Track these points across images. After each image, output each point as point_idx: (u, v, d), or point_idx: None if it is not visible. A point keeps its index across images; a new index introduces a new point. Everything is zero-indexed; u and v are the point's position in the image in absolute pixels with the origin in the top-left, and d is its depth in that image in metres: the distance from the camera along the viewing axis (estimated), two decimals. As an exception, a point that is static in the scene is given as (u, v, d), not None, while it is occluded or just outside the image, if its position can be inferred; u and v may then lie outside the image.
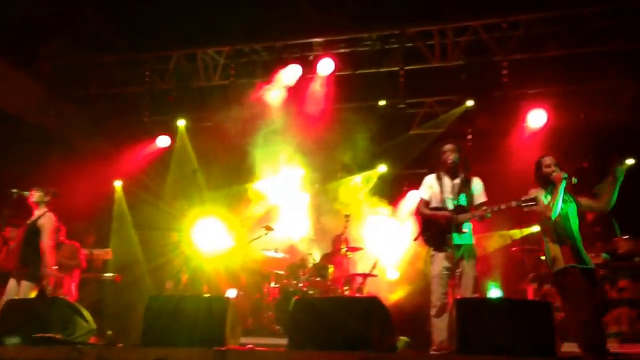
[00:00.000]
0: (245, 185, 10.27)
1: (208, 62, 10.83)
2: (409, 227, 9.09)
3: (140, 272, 10.04)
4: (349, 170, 10.52)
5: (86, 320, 5.78)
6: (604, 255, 7.31)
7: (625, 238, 7.26)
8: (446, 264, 5.81)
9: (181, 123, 11.05)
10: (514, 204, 5.59)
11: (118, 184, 11.10)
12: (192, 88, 10.81)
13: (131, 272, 9.82)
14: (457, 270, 5.80)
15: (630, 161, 9.34)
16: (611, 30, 9.06)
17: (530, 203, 5.49)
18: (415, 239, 6.20)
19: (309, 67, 10.44)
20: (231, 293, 8.38)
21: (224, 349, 4.92)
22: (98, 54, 10.85)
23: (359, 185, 10.42)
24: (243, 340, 5.86)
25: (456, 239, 5.79)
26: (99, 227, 10.20)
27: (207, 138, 10.81)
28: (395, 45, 10.03)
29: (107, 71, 11.08)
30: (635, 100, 9.37)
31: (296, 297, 5.89)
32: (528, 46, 9.45)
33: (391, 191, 10.39)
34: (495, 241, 8.98)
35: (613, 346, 6.51)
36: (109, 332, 7.34)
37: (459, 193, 5.90)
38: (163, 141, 11.13)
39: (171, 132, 11.12)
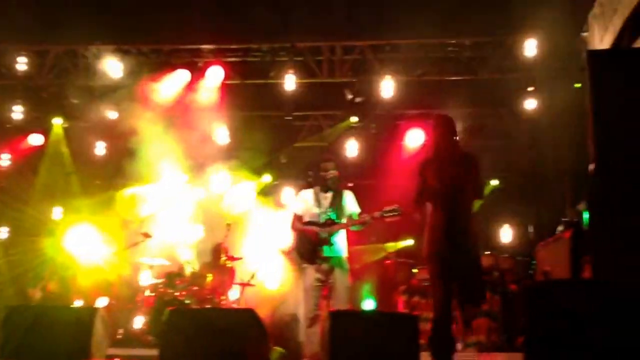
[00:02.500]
0: (123, 190, 9.98)
1: (90, 60, 10.45)
2: (288, 238, 9.22)
3: (1, 280, 9.42)
4: (234, 178, 10.50)
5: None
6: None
7: (487, 254, 7.78)
8: (317, 275, 5.98)
9: (57, 121, 10.54)
10: (377, 214, 5.88)
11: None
12: (70, 85, 10.38)
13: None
14: (329, 282, 5.96)
15: (494, 182, 10.13)
16: (475, 62, 9.79)
17: (392, 213, 5.79)
18: (288, 253, 6.35)
19: (197, 73, 10.36)
20: (102, 302, 8.11)
21: (87, 362, 4.77)
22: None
23: (242, 194, 10.41)
24: (113, 351, 5.70)
25: (327, 251, 5.97)
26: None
27: (85, 139, 10.40)
28: (285, 59, 10.19)
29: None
30: (500, 127, 10.16)
31: (171, 307, 5.81)
32: (408, 69, 9.95)
33: (275, 201, 10.50)
34: (370, 254, 9.30)
35: (472, 355, 6.97)
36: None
37: (330, 207, 6.10)
38: (35, 139, 10.55)
39: (45, 130, 10.58)
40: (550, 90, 9.44)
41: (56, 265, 8.11)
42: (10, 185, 9.93)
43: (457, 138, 5.13)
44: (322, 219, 6.07)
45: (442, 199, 4.89)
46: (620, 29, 6.63)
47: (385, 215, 5.83)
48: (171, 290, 8.08)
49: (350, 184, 6.54)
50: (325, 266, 5.93)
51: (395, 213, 5.79)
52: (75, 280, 8.32)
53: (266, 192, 10.55)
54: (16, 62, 10.10)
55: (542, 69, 9.47)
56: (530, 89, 9.83)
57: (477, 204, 5.06)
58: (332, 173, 6.15)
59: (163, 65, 10.35)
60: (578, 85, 4.67)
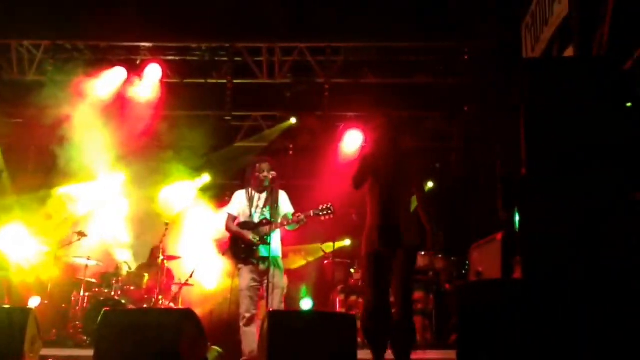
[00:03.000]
0: (57, 189, 9.71)
1: (23, 55, 10.13)
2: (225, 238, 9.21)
3: None
4: (172, 178, 10.38)
5: None
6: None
7: (422, 254, 7.98)
8: (253, 276, 6.02)
9: (-13, 117, 10.17)
10: (311, 213, 5.97)
11: None
12: (2, 80, 10.04)
13: None
14: (265, 282, 5.99)
15: (429, 184, 10.39)
16: (413, 66, 10.00)
17: (325, 212, 5.90)
18: (223, 254, 6.36)
19: (135, 71, 10.20)
20: (34, 302, 7.89)
21: (20, 364, 4.64)
22: None
23: (180, 194, 10.30)
24: (45, 352, 5.57)
25: (263, 251, 6.01)
26: None
27: (17, 136, 10.06)
28: (225, 58, 10.17)
29: None
30: (435, 131, 10.44)
31: (106, 307, 5.72)
32: (348, 72, 10.10)
33: (213, 201, 10.44)
34: (308, 254, 9.38)
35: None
36: None
37: (264, 206, 6.14)
38: (-37, 136, 10.14)
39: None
40: (483, 96, 9.76)
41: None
42: None
43: (397, 137, 5.24)
44: (257, 219, 6.11)
45: (378, 196, 4.99)
46: (550, 39, 6.93)
47: (319, 213, 5.93)
48: (107, 290, 7.95)
49: (281, 182, 6.58)
50: (261, 266, 5.97)
51: (329, 212, 5.91)
52: (8, 281, 8.04)
53: (204, 191, 10.47)
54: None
55: (476, 74, 9.76)
56: (464, 93, 10.11)
57: (414, 202, 5.20)
58: (268, 174, 6.20)
59: (99, 62, 10.14)
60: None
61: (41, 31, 9.85)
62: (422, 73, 10.04)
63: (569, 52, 6.44)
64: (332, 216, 5.93)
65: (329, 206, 5.93)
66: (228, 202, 10.13)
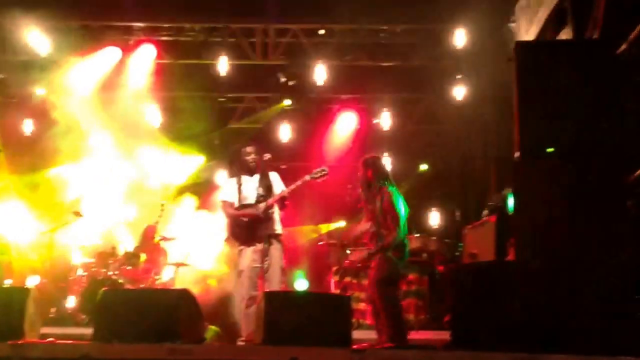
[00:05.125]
0: (54, 169, 9.71)
1: (16, 34, 10.02)
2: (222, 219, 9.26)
3: None
4: (167, 159, 10.40)
5: None
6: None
7: (416, 236, 8.07)
8: (254, 257, 6.04)
9: (-19, 97, 10.13)
10: (307, 177, 6.03)
11: None
12: (-6, 60, 9.97)
13: None
14: (266, 262, 6.03)
15: (423, 166, 10.48)
16: (408, 48, 10.01)
17: (320, 174, 5.96)
18: (227, 240, 6.39)
19: (128, 51, 10.15)
20: (33, 281, 7.94)
21: (20, 342, 4.69)
22: None
23: (175, 175, 10.34)
24: (46, 330, 5.62)
25: (263, 229, 6.05)
26: None
27: (11, 116, 10.02)
28: (219, 39, 10.12)
29: None
30: (429, 113, 10.48)
31: (105, 287, 5.78)
32: (341, 54, 10.09)
33: (208, 182, 10.49)
34: (304, 235, 9.47)
35: (402, 333, 7.24)
36: None
37: (259, 187, 6.18)
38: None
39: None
40: (477, 78, 9.79)
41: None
42: None
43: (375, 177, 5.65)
44: (254, 200, 6.14)
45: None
46: (545, 21, 6.96)
47: (315, 176, 5.99)
48: (104, 270, 8.00)
49: (282, 166, 6.61)
50: (262, 246, 6.00)
51: (324, 172, 5.97)
52: (8, 262, 8.08)
53: (199, 172, 10.51)
54: None
55: (470, 57, 9.78)
56: (458, 76, 10.14)
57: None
58: (254, 157, 6.24)
59: (92, 42, 10.06)
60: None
61: (34, 10, 9.75)
62: (417, 55, 10.04)
63: (564, 34, 6.48)
64: (327, 177, 5.98)
65: (323, 168, 5.99)
66: (221, 186, 10.30)
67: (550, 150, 4.93)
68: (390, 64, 10.12)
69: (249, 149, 6.32)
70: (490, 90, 9.19)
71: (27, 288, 5.91)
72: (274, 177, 6.32)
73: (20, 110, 9.98)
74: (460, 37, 9.60)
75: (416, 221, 8.66)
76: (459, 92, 10.14)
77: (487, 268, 5.58)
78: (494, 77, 8.81)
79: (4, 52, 9.95)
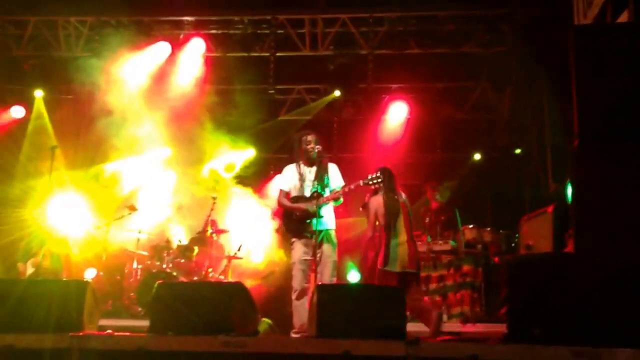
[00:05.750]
0: (108, 164, 9.92)
1: (70, 32, 10.27)
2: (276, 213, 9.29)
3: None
4: (218, 152, 10.48)
5: None
6: (451, 242, 7.93)
7: (471, 227, 7.92)
8: (306, 249, 6.03)
9: (38, 94, 10.41)
10: (361, 182, 5.94)
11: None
12: (51, 57, 10.23)
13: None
14: (317, 255, 6.01)
15: (476, 156, 10.26)
16: (460, 35, 9.78)
17: (376, 180, 5.87)
18: (277, 231, 6.40)
19: (178, 46, 10.26)
20: (90, 274, 8.13)
21: (80, 334, 4.79)
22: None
23: (226, 168, 10.42)
24: (103, 322, 5.74)
25: (315, 225, 6.02)
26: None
27: (67, 112, 10.28)
28: (267, 31, 10.13)
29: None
30: (480, 102, 10.24)
31: (159, 280, 5.86)
32: (392, 42, 9.94)
33: (258, 175, 10.53)
34: (355, 226, 9.38)
35: (456, 326, 7.13)
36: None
37: (315, 180, 6.12)
38: (17, 112, 10.42)
39: (26, 102, 10.44)
40: (532, 65, 9.50)
41: (47, 241, 8.04)
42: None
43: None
44: (309, 194, 6.11)
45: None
46: (603, 3, 6.68)
47: (368, 182, 5.90)
48: (158, 263, 8.13)
49: (329, 155, 6.55)
50: (313, 240, 5.98)
51: (379, 180, 5.86)
52: (68, 256, 8.29)
53: (250, 165, 10.55)
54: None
55: (525, 43, 9.50)
56: (512, 62, 9.87)
57: None
58: (314, 147, 6.17)
59: (143, 37, 10.21)
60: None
61: (86, 8, 9.97)
62: (468, 42, 9.81)
63: (624, 17, 6.22)
64: (381, 184, 5.90)
65: (378, 174, 5.89)
66: (273, 175, 10.35)
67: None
68: (441, 51, 9.92)
69: (309, 137, 6.23)
70: (544, 76, 8.90)
71: (85, 281, 6.05)
72: (333, 169, 6.26)
73: (75, 106, 10.19)
74: (513, 22, 9.32)
75: (470, 212, 8.49)
76: (512, 78, 9.86)
77: (545, 260, 5.41)
78: (547, 62, 8.52)
79: (59, 49, 10.20)
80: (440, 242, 7.95)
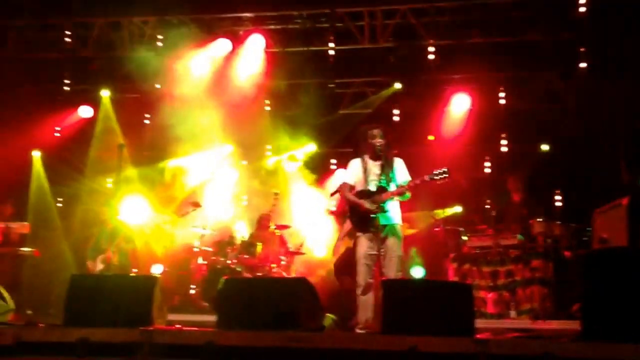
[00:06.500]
0: (172, 161, 10.10)
1: (134, 32, 10.50)
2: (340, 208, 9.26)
3: (60, 247, 9.72)
4: (278, 147, 10.53)
5: (4, 299, 5.59)
6: (519, 236, 7.70)
7: (539, 220, 7.66)
8: (370, 244, 5.96)
9: (105, 93, 10.69)
10: (427, 178, 5.84)
11: (36, 155, 10.64)
12: (116, 57, 10.48)
13: (50, 247, 9.50)
14: (382, 250, 5.94)
15: (544, 147, 9.93)
16: (525, 22, 9.46)
17: (441, 175, 5.74)
18: (340, 223, 6.35)
19: (238, 42, 10.34)
20: (157, 269, 8.30)
21: (150, 328, 4.88)
22: (13, 16, 10.28)
23: (287, 163, 10.45)
24: (170, 317, 5.84)
25: (381, 219, 5.94)
26: (16, 200, 9.78)
27: (132, 110, 10.52)
28: (326, 25, 10.08)
29: (25, 35, 10.52)
30: (548, 91, 9.88)
31: (225, 276, 5.91)
32: (453, 32, 9.72)
33: (319, 169, 10.51)
34: (419, 221, 9.25)
35: (526, 322, 6.93)
36: (29, 312, 7.11)
37: (381, 175, 6.04)
38: (85, 112, 10.74)
39: (94, 102, 10.75)
40: (603, 50, 9.10)
41: (117, 237, 8.27)
42: (67, 155, 10.16)
43: None
44: (374, 187, 6.03)
45: None
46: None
47: (434, 177, 5.78)
48: (222, 259, 8.22)
49: (395, 151, 6.44)
50: (378, 235, 5.90)
51: (445, 175, 5.74)
52: (135, 251, 8.49)
53: (311, 160, 10.55)
54: (64, 35, 10.18)
55: (594, 27, 9.10)
56: (581, 49, 9.48)
57: None
58: (379, 140, 6.08)
59: (204, 34, 10.33)
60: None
61: (149, 8, 10.16)
62: (533, 30, 9.47)
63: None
64: (447, 179, 5.77)
65: (444, 170, 5.76)
66: (334, 170, 10.32)
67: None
68: (505, 39, 9.61)
69: (374, 131, 6.15)
70: (617, 62, 8.51)
71: (154, 276, 6.16)
72: (399, 164, 6.17)
73: (140, 105, 10.42)
74: (582, 5, 8.93)
75: (539, 205, 8.21)
76: (582, 66, 9.46)
77: (622, 254, 5.19)
78: (619, 47, 8.15)
79: (123, 49, 10.43)
80: (507, 236, 7.73)
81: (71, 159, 10.21)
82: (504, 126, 10.12)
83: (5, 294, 5.60)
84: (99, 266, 8.06)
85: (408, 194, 5.97)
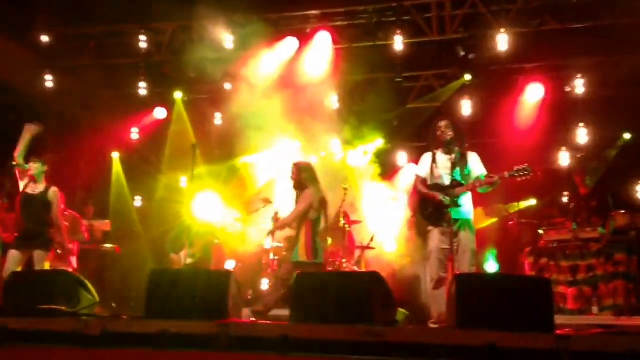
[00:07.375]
0: (242, 159, 10.27)
1: (203, 34, 10.70)
2: (406, 200, 9.18)
3: (139, 243, 10.07)
4: (347, 143, 10.52)
5: (90, 293, 5.81)
6: (600, 229, 7.41)
7: (622, 212, 7.35)
8: (443, 238, 5.87)
9: (178, 95, 10.98)
10: (506, 175, 5.69)
11: (115, 156, 11.06)
12: (187, 60, 10.73)
13: (130, 243, 9.86)
14: (455, 244, 5.83)
15: (627, 135, 9.50)
16: (601, 6, 9.04)
17: (523, 173, 5.58)
18: (413, 217, 6.29)
19: (305, 40, 10.38)
20: (230, 264, 8.45)
21: (226, 321, 4.96)
22: (91, 24, 10.70)
23: (356, 158, 10.42)
24: (245, 311, 5.93)
25: (453, 213, 5.83)
26: (97, 199, 10.19)
27: (203, 110, 10.75)
28: (392, 19, 9.97)
29: (102, 42, 10.93)
30: (628, 76, 9.42)
31: (297, 270, 5.95)
32: (525, 20, 9.42)
33: (388, 164, 10.44)
34: (493, 214, 9.06)
35: (609, 319, 6.66)
36: (114, 305, 7.37)
37: (454, 168, 5.93)
38: (160, 113, 11.07)
39: (168, 104, 11.06)
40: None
41: (195, 232, 8.47)
42: (144, 155, 10.50)
43: None
44: (448, 181, 5.93)
45: None
46: None
47: (514, 174, 5.61)
48: (293, 254, 8.25)
49: (466, 144, 6.30)
50: (451, 229, 5.80)
51: (526, 172, 5.57)
52: (218, 246, 8.68)
53: (379, 155, 10.49)
54: (138, 41, 10.52)
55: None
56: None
57: None
58: (449, 133, 5.97)
59: (272, 33, 10.42)
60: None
61: (217, 9, 10.33)
62: (611, 13, 9.04)
63: None
64: (529, 177, 5.59)
65: (525, 167, 5.59)
66: (403, 165, 10.22)
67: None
68: (581, 25, 9.22)
69: (442, 123, 6.09)
70: None
71: (229, 271, 6.28)
72: (474, 158, 6.06)
73: (211, 105, 10.62)
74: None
75: (622, 196, 7.87)
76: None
77: None
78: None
79: (193, 50, 10.67)
80: (587, 229, 7.45)
81: (148, 158, 10.54)
82: (582, 115, 9.73)
83: (91, 288, 5.83)
84: (181, 259, 8.26)
85: (486, 188, 5.84)
